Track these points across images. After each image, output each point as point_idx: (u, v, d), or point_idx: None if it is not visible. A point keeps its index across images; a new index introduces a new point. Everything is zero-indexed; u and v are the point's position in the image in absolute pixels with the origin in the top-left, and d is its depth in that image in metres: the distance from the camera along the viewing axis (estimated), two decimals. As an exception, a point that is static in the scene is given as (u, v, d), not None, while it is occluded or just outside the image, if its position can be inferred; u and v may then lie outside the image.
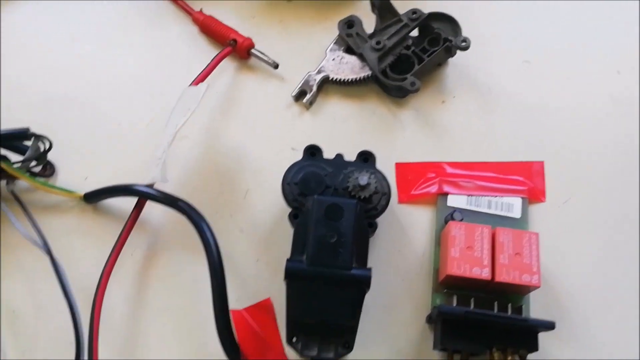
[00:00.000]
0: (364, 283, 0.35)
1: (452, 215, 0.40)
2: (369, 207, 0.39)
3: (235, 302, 0.40)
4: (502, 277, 0.37)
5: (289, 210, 0.40)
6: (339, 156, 0.41)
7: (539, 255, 0.37)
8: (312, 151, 0.41)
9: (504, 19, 0.49)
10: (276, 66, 0.47)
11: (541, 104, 0.46)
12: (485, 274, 0.37)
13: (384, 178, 0.40)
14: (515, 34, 0.49)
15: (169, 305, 0.41)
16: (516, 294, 0.39)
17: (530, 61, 0.48)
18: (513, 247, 0.38)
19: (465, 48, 0.44)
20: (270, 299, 0.40)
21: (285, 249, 0.40)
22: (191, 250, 0.41)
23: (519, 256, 0.37)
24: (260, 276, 0.41)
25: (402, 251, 0.42)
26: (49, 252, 0.40)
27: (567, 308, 0.40)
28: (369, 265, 0.38)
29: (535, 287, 0.37)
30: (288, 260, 0.36)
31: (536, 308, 0.39)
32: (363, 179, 0.38)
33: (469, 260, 0.37)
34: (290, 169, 0.40)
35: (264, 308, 0.40)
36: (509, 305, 0.38)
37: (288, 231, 0.40)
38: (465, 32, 0.45)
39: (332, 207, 0.37)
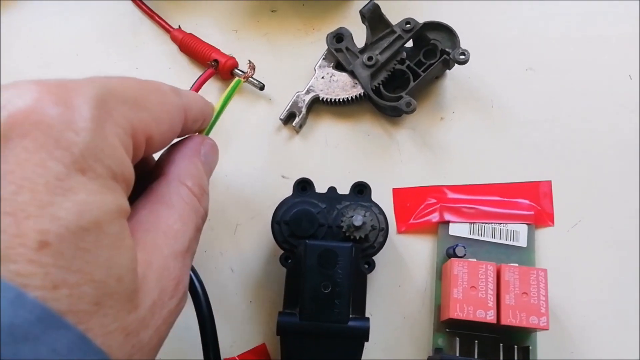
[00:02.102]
0: (362, 336, 0.34)
1: (454, 250, 0.38)
2: (365, 245, 0.37)
3: (230, 348, 0.38)
4: (508, 320, 0.35)
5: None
6: (332, 189, 0.38)
7: (547, 294, 0.35)
8: (303, 185, 0.39)
9: (504, 24, 0.45)
10: (262, 87, 0.44)
11: (547, 117, 0.43)
12: (490, 316, 0.35)
13: (380, 212, 0.37)
14: (516, 39, 0.45)
15: (160, 355, 0.39)
16: (523, 332, 0.37)
17: (534, 68, 0.44)
18: (520, 285, 0.35)
19: (464, 62, 0.41)
20: (265, 344, 0.38)
21: (279, 289, 0.38)
22: (180, 296, 0.39)
23: (525, 296, 0.35)
24: (254, 319, 0.39)
25: (403, 286, 0.40)
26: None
27: (577, 342, 0.38)
28: (368, 305, 0.36)
29: (544, 330, 0.35)
30: (280, 314, 0.34)
31: (544, 343, 0.37)
32: (357, 219, 0.36)
33: (473, 301, 0.35)
34: (280, 207, 0.38)
35: (259, 354, 0.38)
36: (515, 347, 0.36)
37: (282, 270, 0.38)
38: (462, 40, 0.41)
39: (326, 253, 0.35)
